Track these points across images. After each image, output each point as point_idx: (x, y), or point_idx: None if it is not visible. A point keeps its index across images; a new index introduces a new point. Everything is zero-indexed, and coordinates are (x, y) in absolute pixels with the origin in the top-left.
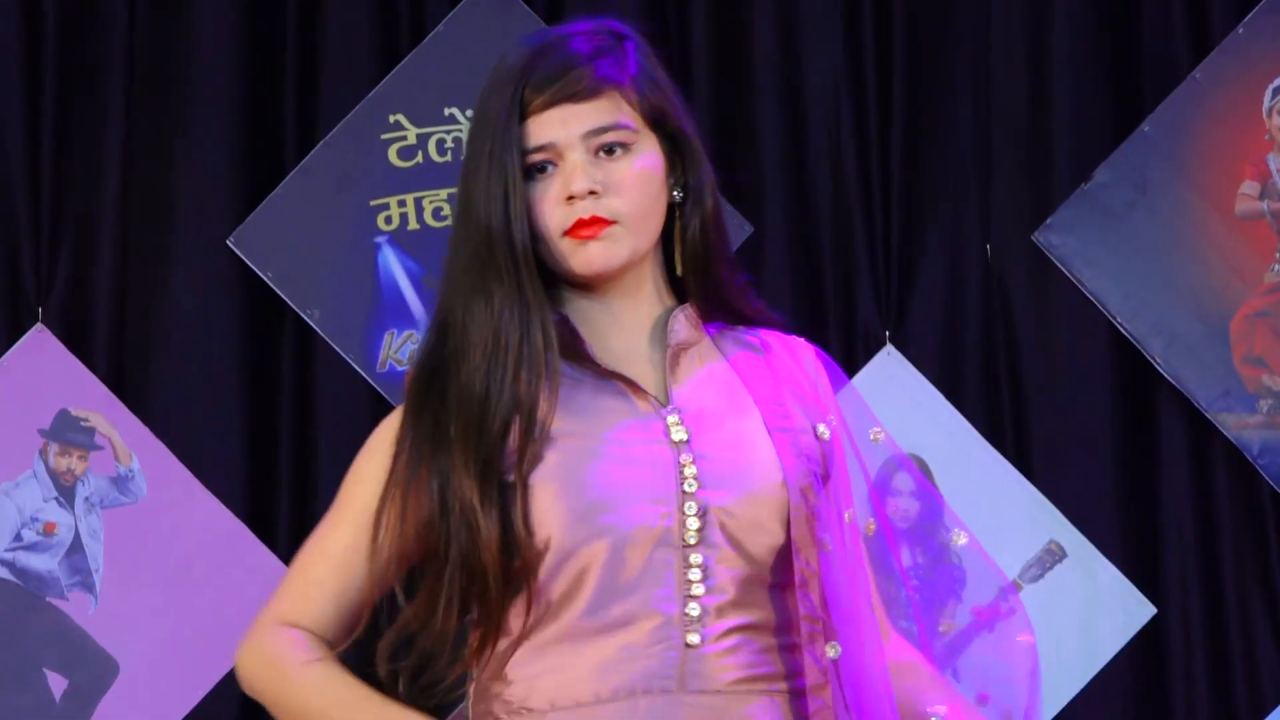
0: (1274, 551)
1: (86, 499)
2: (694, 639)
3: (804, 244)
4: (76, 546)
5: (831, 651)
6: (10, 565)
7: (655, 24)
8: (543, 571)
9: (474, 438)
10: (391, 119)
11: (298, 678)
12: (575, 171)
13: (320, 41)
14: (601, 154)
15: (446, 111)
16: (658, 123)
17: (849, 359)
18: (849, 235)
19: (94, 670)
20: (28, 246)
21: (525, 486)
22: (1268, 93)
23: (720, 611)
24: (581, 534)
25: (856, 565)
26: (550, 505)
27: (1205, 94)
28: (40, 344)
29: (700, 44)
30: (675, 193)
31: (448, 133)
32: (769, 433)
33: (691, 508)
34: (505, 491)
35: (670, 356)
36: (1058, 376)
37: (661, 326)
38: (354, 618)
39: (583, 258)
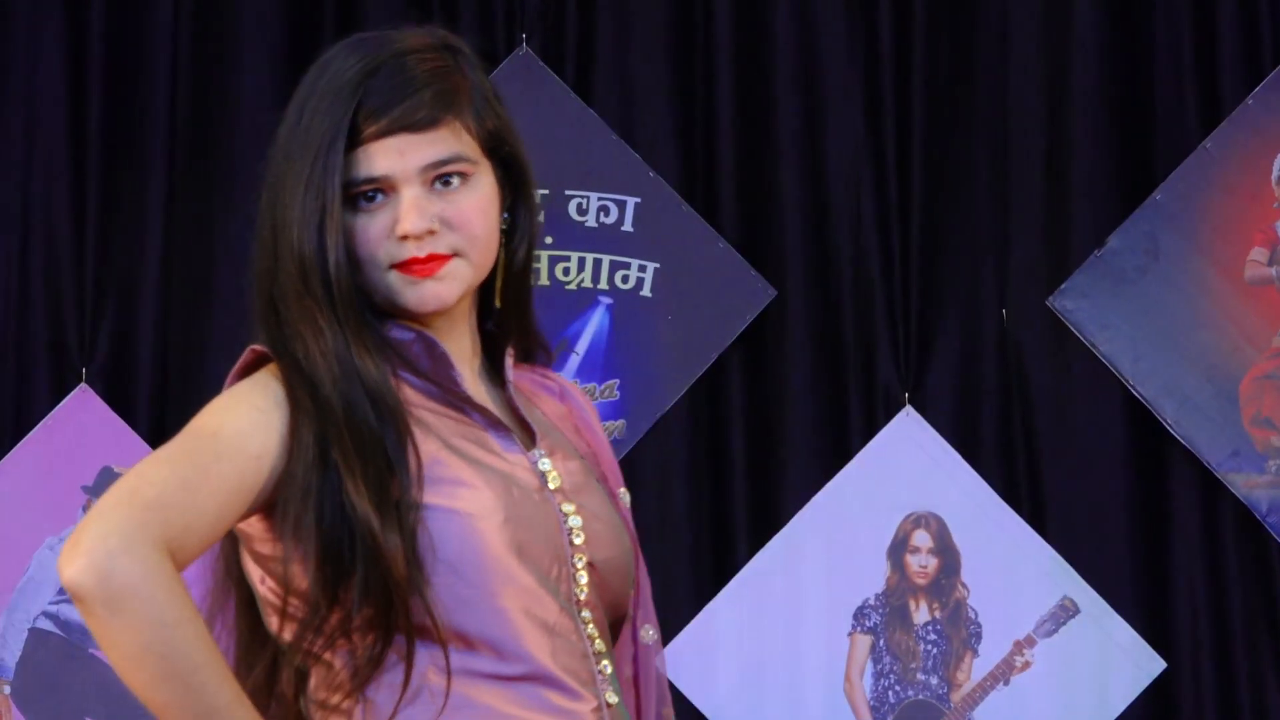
0: None
1: None
2: (612, 698)
3: (825, 308)
4: None
5: None
6: (54, 618)
7: (685, 97)
8: (447, 605)
9: (361, 468)
10: None
11: (201, 635)
12: (412, 209)
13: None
14: (438, 184)
15: None
16: (493, 149)
17: (869, 420)
18: (869, 300)
19: (131, 718)
20: (72, 308)
21: (420, 518)
22: (1276, 162)
23: (613, 667)
24: (491, 574)
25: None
26: (455, 542)
27: (1215, 163)
28: (84, 403)
29: (727, 115)
30: (504, 218)
31: None
32: (601, 485)
33: (580, 560)
34: (402, 522)
35: (515, 394)
36: (1072, 437)
37: (486, 359)
38: (205, 546)
39: (416, 296)
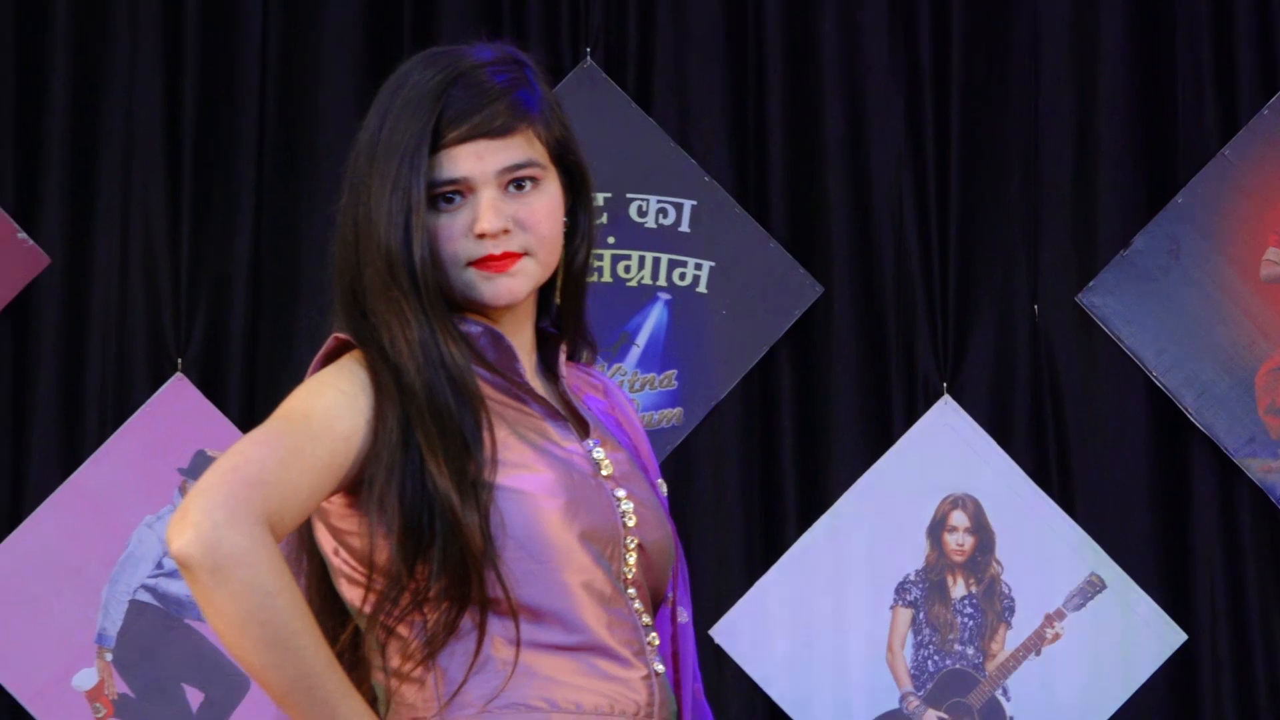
0: None
1: None
2: (660, 667)
3: (869, 304)
4: None
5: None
6: (153, 590)
7: (737, 106)
8: (516, 579)
9: (441, 448)
10: None
11: (298, 604)
12: (489, 209)
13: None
14: (511, 188)
15: None
16: (560, 156)
17: (910, 408)
18: (910, 296)
19: (227, 685)
20: (168, 302)
21: (494, 496)
22: None
23: (664, 646)
24: (555, 551)
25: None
26: (526, 519)
27: (1234, 169)
28: (179, 391)
29: (777, 123)
30: (565, 221)
31: None
32: (643, 475)
33: (632, 542)
34: (480, 500)
35: (569, 388)
36: (1099, 424)
37: (542, 355)
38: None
39: (491, 290)
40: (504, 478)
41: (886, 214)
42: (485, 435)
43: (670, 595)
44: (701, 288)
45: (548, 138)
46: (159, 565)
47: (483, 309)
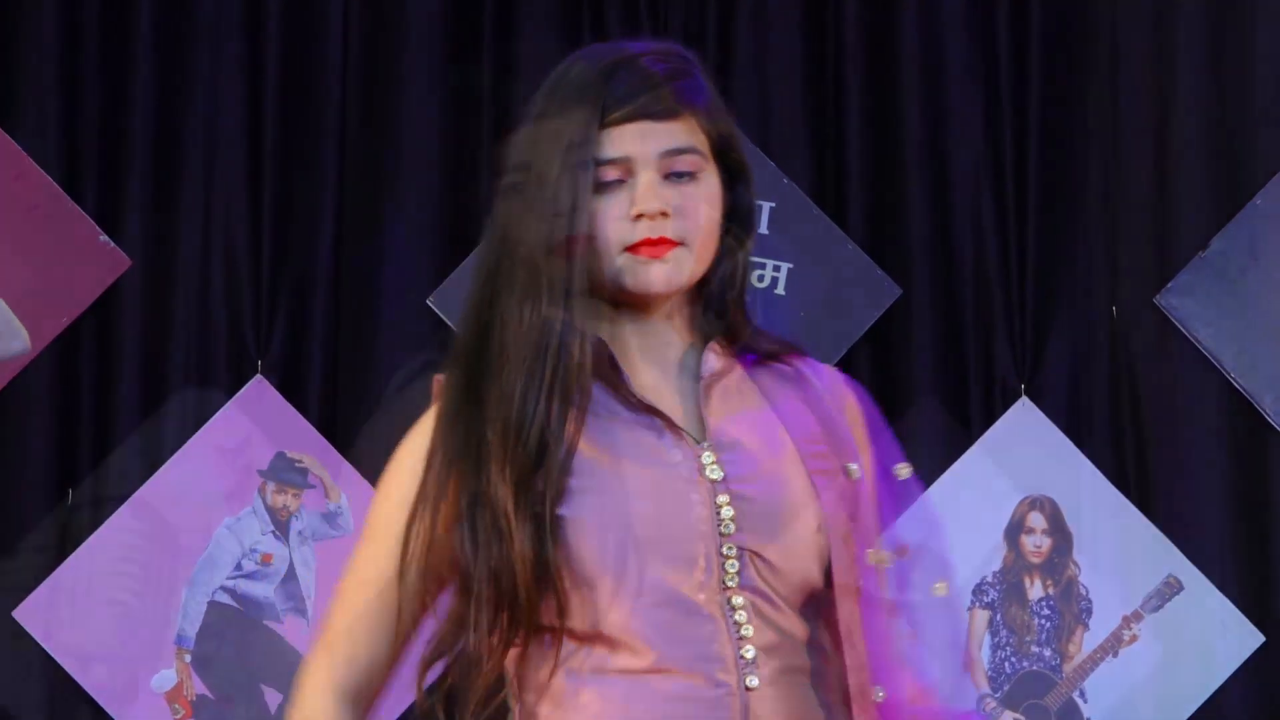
0: None
1: (300, 532)
2: (753, 681)
3: (948, 305)
4: (291, 575)
5: (878, 695)
6: (233, 592)
7: (817, 111)
8: (579, 607)
9: (511, 449)
10: None
11: None
12: (649, 190)
13: (510, 121)
14: (672, 177)
15: None
16: (722, 152)
17: (987, 410)
18: (988, 298)
19: None
20: (249, 305)
21: (557, 519)
22: None
23: (769, 655)
24: (621, 575)
25: (886, 606)
26: (585, 544)
27: None
28: (260, 393)
29: (855, 125)
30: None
31: None
32: (807, 473)
33: (731, 549)
34: (538, 517)
35: (704, 389)
36: (1177, 426)
37: (691, 355)
38: (402, 644)
39: (643, 277)
40: (568, 501)
41: (965, 215)
42: (563, 445)
43: (849, 582)
44: (780, 289)
45: (710, 130)
46: (238, 567)
47: (632, 298)
